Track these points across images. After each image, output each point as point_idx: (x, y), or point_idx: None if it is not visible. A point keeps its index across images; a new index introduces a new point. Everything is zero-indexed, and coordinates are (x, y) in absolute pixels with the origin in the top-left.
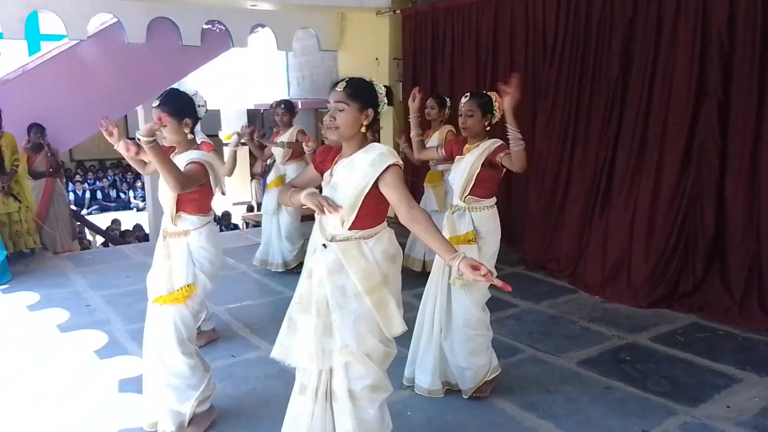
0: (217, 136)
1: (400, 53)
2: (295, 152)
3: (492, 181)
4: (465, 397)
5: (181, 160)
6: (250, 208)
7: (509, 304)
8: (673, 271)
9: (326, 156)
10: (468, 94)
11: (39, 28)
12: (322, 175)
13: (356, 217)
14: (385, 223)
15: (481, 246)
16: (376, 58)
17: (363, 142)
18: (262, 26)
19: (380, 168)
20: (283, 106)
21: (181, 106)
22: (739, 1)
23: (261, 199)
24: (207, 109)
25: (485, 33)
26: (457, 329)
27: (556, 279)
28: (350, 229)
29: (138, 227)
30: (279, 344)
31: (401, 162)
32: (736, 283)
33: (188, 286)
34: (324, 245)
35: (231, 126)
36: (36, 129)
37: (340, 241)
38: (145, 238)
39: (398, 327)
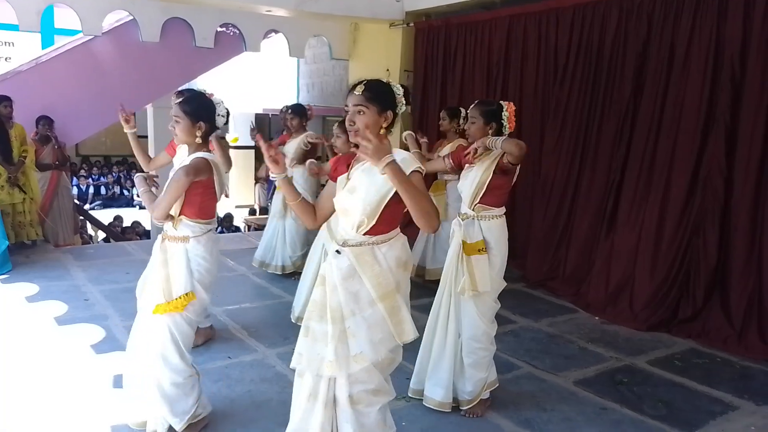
0: (224, 138)
1: (411, 65)
2: (303, 157)
3: (503, 189)
4: (462, 408)
5: (187, 158)
6: (252, 212)
7: (508, 320)
8: (673, 296)
9: (338, 165)
10: (477, 101)
11: (54, 21)
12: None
13: (375, 225)
14: (398, 229)
15: (489, 256)
16: (387, 69)
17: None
18: (276, 32)
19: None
20: (290, 111)
21: (199, 109)
22: (753, 30)
23: (264, 203)
24: (226, 121)
25: (497, 49)
26: (463, 340)
27: (557, 298)
28: (365, 234)
29: (136, 223)
30: (297, 353)
31: (423, 168)
32: (736, 312)
33: (187, 294)
34: (338, 251)
35: (239, 129)
36: (44, 121)
37: (354, 246)
38: (146, 234)
39: (410, 333)
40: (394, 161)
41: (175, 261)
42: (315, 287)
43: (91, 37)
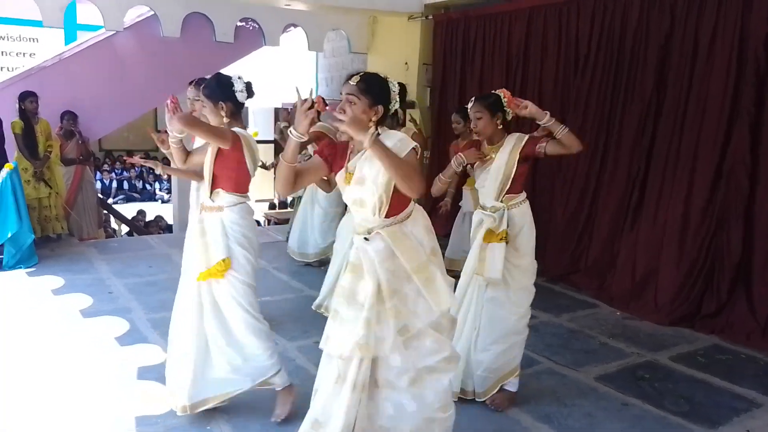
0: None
1: (430, 58)
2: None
3: (525, 176)
4: (482, 398)
5: None
6: (272, 206)
7: None
8: (698, 291)
9: (334, 152)
10: (473, 98)
11: (76, 17)
12: (330, 170)
13: (390, 204)
14: (413, 203)
15: (521, 241)
16: (406, 63)
17: None
18: (295, 26)
19: (404, 152)
20: None
21: (216, 89)
22: None
23: (283, 197)
24: (248, 95)
25: (516, 41)
26: (494, 330)
27: (577, 292)
28: (387, 217)
29: (159, 218)
30: (325, 336)
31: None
32: (760, 307)
33: (224, 260)
34: (366, 238)
35: (258, 124)
36: (69, 116)
37: (384, 227)
38: (169, 229)
39: (446, 301)
40: (377, 135)
41: (211, 229)
42: (344, 274)
43: (113, 32)
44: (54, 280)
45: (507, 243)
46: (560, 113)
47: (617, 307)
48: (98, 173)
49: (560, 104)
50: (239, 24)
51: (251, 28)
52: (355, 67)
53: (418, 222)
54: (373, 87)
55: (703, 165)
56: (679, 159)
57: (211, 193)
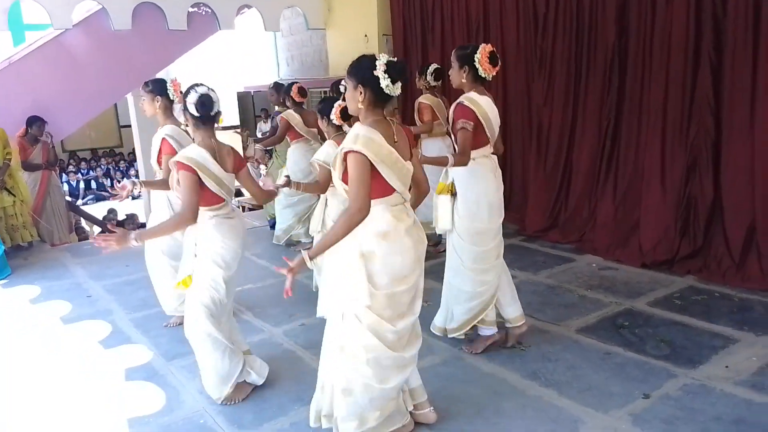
0: None
1: (389, 29)
2: (293, 133)
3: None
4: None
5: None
6: (238, 193)
7: None
8: (677, 233)
9: None
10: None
11: (22, 17)
12: None
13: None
14: (380, 200)
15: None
16: (365, 35)
17: (366, 120)
18: (249, 7)
19: (341, 151)
20: (272, 86)
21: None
22: None
23: None
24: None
25: (474, 6)
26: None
27: (553, 248)
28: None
29: (133, 216)
30: None
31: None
32: (735, 245)
33: None
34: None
35: (222, 108)
36: (39, 123)
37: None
38: (143, 226)
39: (362, 300)
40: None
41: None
42: None
43: (62, 30)
44: (30, 289)
45: (453, 196)
46: (525, 74)
47: (601, 256)
48: (64, 175)
49: (525, 65)
50: (191, 10)
51: (204, 13)
52: (314, 44)
53: (368, 220)
54: (353, 68)
55: (672, 110)
56: (650, 106)
57: None
